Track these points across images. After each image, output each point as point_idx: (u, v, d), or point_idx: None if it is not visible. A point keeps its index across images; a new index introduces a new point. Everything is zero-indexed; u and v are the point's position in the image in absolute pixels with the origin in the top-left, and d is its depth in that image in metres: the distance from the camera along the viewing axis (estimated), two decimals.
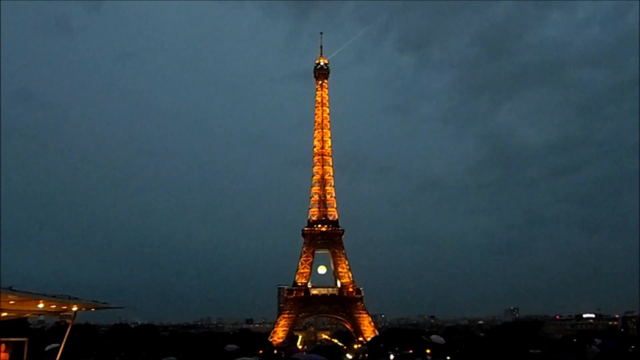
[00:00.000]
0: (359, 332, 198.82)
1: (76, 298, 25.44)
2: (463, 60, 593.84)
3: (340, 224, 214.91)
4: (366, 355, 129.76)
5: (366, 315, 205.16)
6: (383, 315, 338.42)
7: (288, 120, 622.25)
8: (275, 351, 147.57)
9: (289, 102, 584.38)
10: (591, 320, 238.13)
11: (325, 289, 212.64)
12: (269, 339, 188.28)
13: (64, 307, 26.65)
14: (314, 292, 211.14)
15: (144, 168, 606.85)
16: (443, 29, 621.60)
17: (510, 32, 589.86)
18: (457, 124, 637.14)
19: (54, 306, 25.56)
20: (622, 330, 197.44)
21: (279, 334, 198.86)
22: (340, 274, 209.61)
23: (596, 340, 71.18)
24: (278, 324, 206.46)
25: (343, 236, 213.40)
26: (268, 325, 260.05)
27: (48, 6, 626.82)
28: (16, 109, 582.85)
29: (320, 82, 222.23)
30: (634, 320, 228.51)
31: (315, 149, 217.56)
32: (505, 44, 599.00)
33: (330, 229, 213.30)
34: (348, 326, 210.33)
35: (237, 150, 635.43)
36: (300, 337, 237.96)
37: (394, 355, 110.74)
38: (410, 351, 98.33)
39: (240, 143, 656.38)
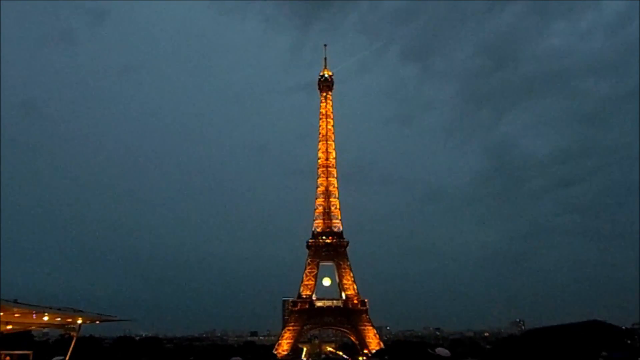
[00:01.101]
0: (364, 344, 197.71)
1: (81, 311, 25.60)
2: (466, 70, 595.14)
3: (344, 236, 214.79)
4: None
5: (371, 327, 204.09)
6: (388, 327, 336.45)
7: (292, 132, 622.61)
8: None
9: (293, 114, 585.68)
10: None
11: (330, 301, 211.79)
12: (273, 351, 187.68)
13: (69, 320, 26.80)
14: (319, 304, 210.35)
15: (148, 180, 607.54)
16: (446, 39, 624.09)
17: (513, 43, 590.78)
18: (461, 135, 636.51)
19: (58, 319, 25.71)
20: (629, 342, 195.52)
21: (283, 347, 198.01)
22: (345, 285, 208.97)
23: (603, 352, 70.68)
24: (283, 336, 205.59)
25: (348, 248, 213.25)
26: (273, 338, 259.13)
27: (52, 19, 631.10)
28: (20, 120, 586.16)
29: (324, 94, 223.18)
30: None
31: (319, 161, 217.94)
32: (509, 54, 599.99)
33: (334, 240, 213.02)
34: (353, 338, 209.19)
35: (241, 162, 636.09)
36: (305, 349, 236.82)
37: None
38: None
39: (244, 154, 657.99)
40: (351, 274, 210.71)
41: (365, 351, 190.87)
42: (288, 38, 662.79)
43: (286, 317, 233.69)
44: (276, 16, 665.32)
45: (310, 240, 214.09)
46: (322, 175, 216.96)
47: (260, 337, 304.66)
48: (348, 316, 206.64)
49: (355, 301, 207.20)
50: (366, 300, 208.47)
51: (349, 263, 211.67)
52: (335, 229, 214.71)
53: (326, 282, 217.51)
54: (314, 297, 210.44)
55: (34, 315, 23.06)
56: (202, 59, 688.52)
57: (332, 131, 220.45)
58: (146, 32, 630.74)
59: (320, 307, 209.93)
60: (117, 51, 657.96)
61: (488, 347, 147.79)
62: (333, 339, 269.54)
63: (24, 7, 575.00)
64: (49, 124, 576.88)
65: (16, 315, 22.67)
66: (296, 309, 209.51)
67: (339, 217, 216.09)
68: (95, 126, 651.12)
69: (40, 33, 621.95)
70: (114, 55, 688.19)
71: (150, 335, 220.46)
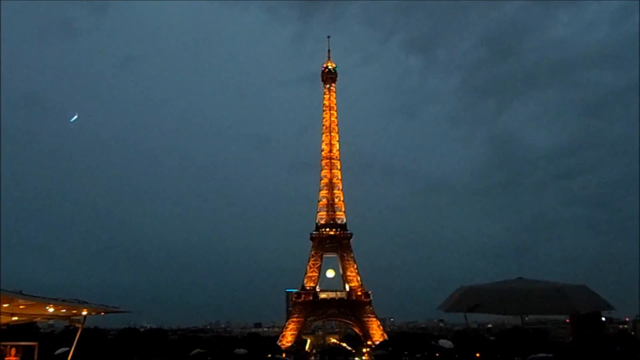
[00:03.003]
0: (367, 335, 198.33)
1: (86, 302, 25.66)
2: (470, 62, 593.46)
3: (348, 228, 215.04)
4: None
5: (375, 318, 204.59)
6: (392, 319, 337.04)
7: (294, 124, 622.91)
8: (284, 354, 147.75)
9: (295, 105, 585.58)
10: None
11: (334, 293, 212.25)
12: (277, 342, 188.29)
13: (74, 311, 26.87)
14: (323, 295, 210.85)
15: (150, 171, 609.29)
16: (449, 30, 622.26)
17: (517, 33, 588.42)
18: (464, 127, 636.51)
19: (64, 310, 25.78)
20: (633, 333, 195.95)
21: (287, 338, 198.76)
22: (349, 277, 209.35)
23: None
24: (286, 327, 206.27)
25: (351, 240, 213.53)
26: (276, 329, 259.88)
27: (52, 9, 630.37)
28: (20, 113, 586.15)
29: (328, 85, 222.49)
30: None
31: (323, 153, 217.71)
32: (512, 45, 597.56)
33: (338, 232, 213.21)
34: (357, 330, 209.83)
35: (244, 154, 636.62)
36: (308, 341, 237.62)
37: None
38: (419, 355, 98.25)
39: (246, 146, 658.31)
40: (355, 266, 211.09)
41: (369, 342, 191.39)
42: (289, 29, 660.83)
43: (290, 309, 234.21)
44: (277, 7, 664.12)
45: (314, 232, 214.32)
46: (325, 167, 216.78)
47: (264, 329, 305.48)
48: (352, 308, 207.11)
49: (359, 293, 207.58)
50: (370, 292, 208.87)
51: (352, 255, 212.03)
52: (339, 221, 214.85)
53: (330, 274, 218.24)
54: (317, 289, 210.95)
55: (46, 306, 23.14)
56: (203, 51, 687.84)
57: (336, 123, 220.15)
58: (147, 23, 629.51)
59: (324, 299, 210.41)
60: (118, 43, 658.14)
61: (492, 338, 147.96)
62: (337, 330, 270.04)
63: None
64: (51, 116, 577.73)
65: (21, 306, 22.76)
66: (300, 300, 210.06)
67: (343, 209, 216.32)
68: (98, 118, 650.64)
69: (41, 24, 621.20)
70: (115, 47, 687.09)
71: (154, 326, 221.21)
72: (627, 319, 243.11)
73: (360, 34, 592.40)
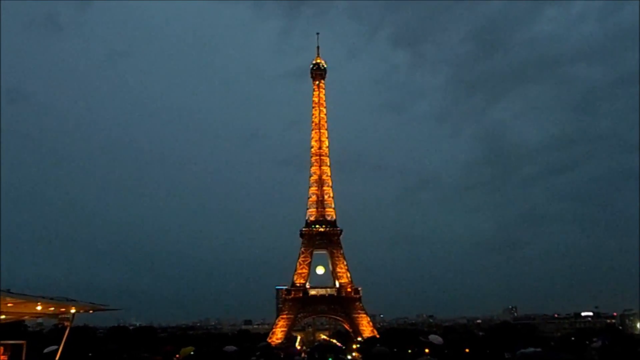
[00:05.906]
0: (357, 332, 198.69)
1: (74, 300, 25.45)
2: (457, 57, 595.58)
3: (338, 224, 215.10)
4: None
5: (365, 315, 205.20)
6: (382, 315, 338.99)
7: (281, 119, 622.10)
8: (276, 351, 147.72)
9: (282, 101, 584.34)
10: (589, 319, 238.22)
11: (324, 290, 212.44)
12: (267, 339, 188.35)
13: (62, 309, 26.66)
14: (313, 292, 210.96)
15: (137, 169, 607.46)
16: (436, 25, 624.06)
17: (504, 29, 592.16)
18: (452, 122, 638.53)
19: (52, 308, 25.58)
20: (621, 327, 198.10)
21: (277, 335, 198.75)
22: (339, 274, 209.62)
23: (594, 340, 71.38)
24: (277, 324, 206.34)
25: (341, 236, 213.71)
26: (267, 326, 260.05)
27: (37, 4, 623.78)
28: (6, 108, 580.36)
29: (317, 82, 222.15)
30: (631, 318, 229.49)
31: (312, 150, 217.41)
32: (500, 40, 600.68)
33: (328, 229, 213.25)
34: (347, 326, 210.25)
35: (232, 150, 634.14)
36: (299, 337, 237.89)
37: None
38: (410, 351, 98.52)
39: (233, 142, 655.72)
40: (345, 263, 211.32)
41: (359, 339, 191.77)
42: (276, 24, 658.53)
43: (280, 306, 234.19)
44: (263, 2, 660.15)
45: (303, 229, 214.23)
46: (315, 164, 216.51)
47: (255, 326, 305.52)
48: (342, 304, 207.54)
49: (349, 289, 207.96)
50: (359, 289, 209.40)
51: (342, 251, 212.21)
52: (329, 218, 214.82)
53: (320, 270, 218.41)
54: (307, 286, 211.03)
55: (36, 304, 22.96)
56: (191, 45, 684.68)
57: (325, 120, 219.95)
58: (132, 19, 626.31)
59: (314, 296, 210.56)
60: (104, 37, 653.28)
61: (481, 333, 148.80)
62: (327, 327, 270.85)
63: None
64: (36, 112, 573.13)
65: (9, 305, 22.55)
66: (290, 297, 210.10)
67: (332, 206, 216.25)
68: (83, 113, 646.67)
69: (25, 19, 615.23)
70: (100, 41, 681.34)
71: (144, 324, 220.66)
72: (615, 314, 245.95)
73: (347, 29, 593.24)
